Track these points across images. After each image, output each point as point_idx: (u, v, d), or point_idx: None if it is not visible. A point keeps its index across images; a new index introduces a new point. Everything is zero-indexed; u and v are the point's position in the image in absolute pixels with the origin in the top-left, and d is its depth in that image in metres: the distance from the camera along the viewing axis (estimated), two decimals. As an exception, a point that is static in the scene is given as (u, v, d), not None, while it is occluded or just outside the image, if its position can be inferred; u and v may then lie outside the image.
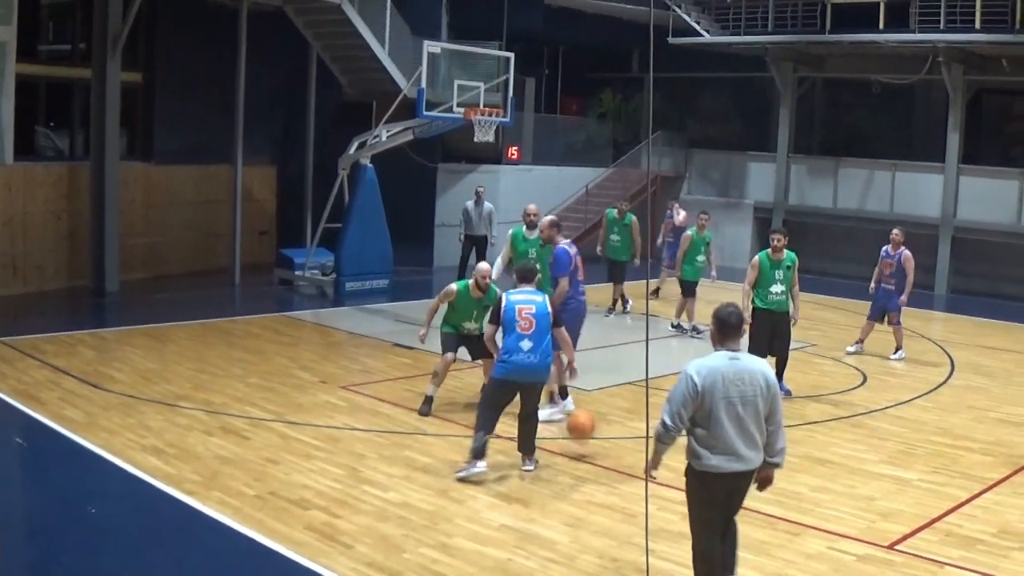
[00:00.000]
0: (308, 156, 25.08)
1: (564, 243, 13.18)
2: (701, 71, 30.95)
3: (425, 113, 20.58)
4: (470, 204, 22.64)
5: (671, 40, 28.01)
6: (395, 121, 21.51)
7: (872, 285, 17.89)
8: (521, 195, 24.45)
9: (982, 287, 23.33)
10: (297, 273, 22.34)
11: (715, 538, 7.32)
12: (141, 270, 22.53)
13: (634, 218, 20.75)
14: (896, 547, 8.97)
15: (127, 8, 19.91)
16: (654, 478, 7.60)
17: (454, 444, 11.64)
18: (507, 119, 21.92)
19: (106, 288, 20.33)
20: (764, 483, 7.42)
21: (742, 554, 8.63)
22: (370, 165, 21.47)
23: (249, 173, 23.87)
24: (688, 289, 18.93)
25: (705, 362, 7.14)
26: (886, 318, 17.63)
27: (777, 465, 7.36)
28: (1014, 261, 24.67)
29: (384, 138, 21.43)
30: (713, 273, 19.63)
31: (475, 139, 21.15)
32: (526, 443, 10.91)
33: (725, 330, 7.27)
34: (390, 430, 12.09)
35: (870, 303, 17.89)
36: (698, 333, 18.39)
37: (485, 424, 10.55)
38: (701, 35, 28.31)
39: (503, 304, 10.73)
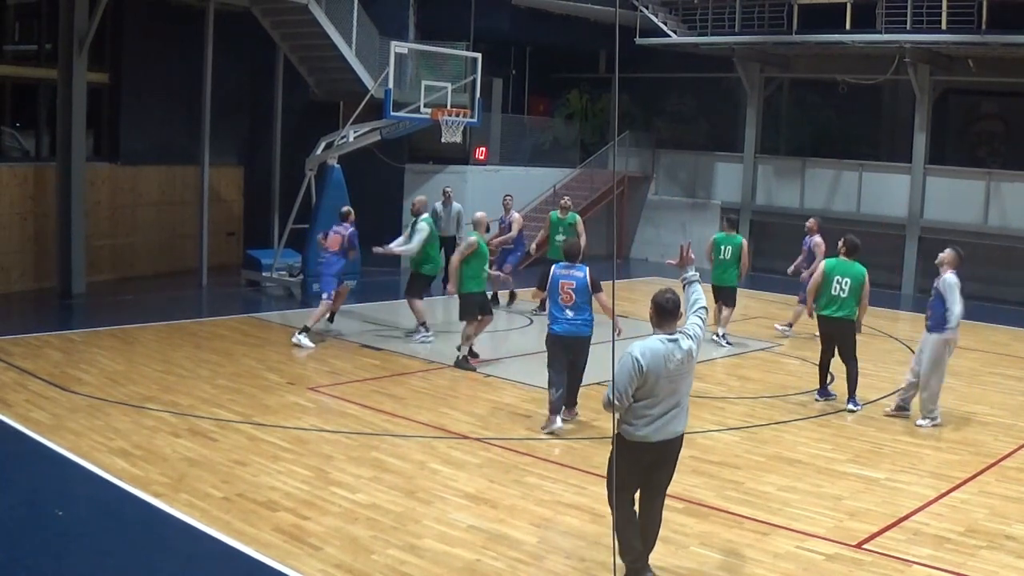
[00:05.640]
0: (275, 157, 24.92)
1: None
2: (668, 72, 31.00)
3: (392, 113, 20.60)
4: (438, 205, 22.48)
5: (638, 40, 28.02)
6: (362, 122, 21.48)
7: (791, 268, 19.78)
8: (488, 196, 24.40)
9: (948, 287, 23.41)
10: (264, 274, 22.22)
11: (629, 497, 7.97)
12: (108, 271, 22.41)
13: (578, 217, 20.58)
14: (864, 546, 9.00)
15: (93, 8, 19.76)
16: None
17: (422, 445, 11.63)
18: (474, 119, 21.93)
19: (73, 290, 20.19)
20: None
21: (709, 553, 8.73)
22: (337, 166, 21.39)
23: (216, 174, 23.80)
24: (722, 296, 18.26)
25: (647, 344, 7.75)
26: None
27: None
28: (980, 261, 24.77)
29: (351, 139, 21.38)
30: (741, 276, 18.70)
31: (442, 140, 21.14)
32: (570, 395, 12.54)
33: (662, 314, 7.90)
34: (358, 431, 12.06)
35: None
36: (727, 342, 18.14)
37: (554, 381, 12.23)
38: (668, 36, 28.33)
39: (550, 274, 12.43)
